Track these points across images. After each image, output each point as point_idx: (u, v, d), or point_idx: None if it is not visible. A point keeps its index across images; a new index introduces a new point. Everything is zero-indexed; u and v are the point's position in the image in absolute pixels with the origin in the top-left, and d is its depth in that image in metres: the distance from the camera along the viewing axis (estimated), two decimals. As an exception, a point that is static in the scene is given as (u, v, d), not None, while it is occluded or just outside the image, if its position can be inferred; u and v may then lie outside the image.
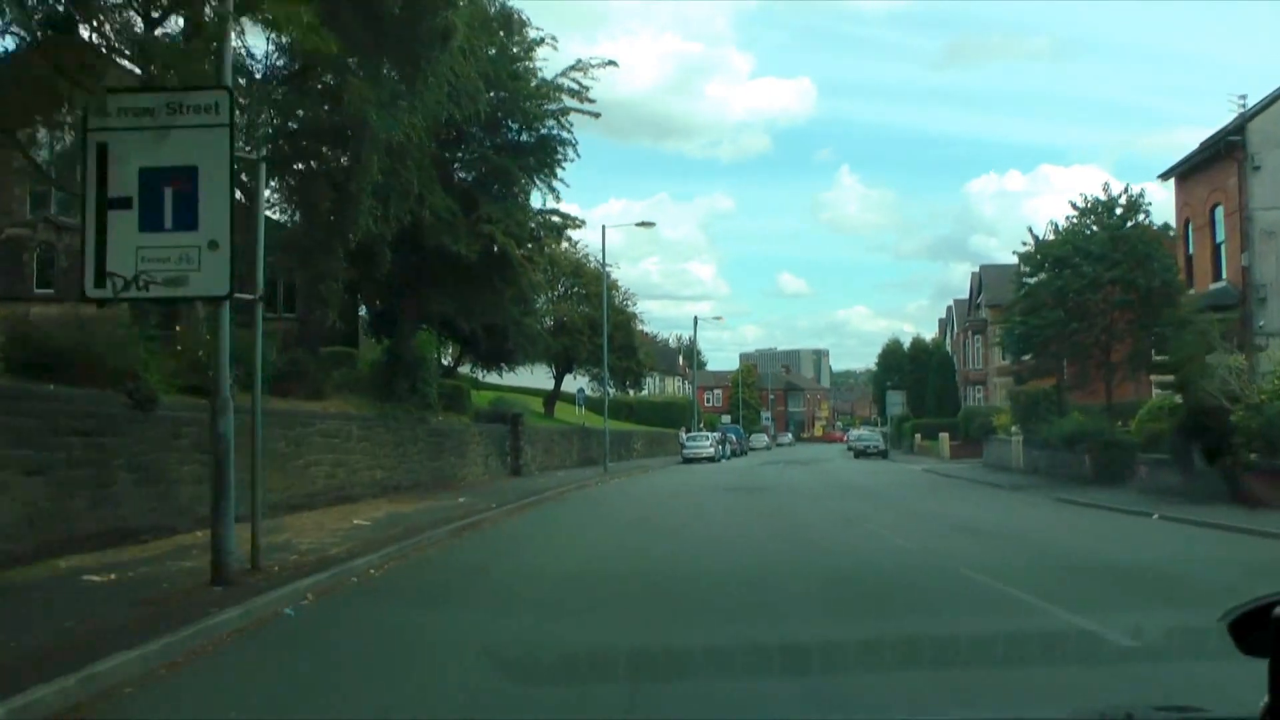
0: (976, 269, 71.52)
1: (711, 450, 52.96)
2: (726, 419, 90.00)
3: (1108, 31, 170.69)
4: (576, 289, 47.34)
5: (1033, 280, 33.56)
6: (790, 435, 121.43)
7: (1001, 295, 69.79)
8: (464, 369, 41.87)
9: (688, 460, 52.50)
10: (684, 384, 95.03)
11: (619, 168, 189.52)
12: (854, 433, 70.73)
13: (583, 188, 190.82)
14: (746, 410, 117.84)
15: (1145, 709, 2.06)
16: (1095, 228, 32.86)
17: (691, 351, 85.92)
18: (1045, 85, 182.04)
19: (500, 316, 30.85)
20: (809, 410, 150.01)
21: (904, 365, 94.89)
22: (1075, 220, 33.93)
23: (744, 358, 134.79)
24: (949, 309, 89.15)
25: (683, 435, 55.82)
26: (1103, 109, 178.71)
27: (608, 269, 42.44)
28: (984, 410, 53.82)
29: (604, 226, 45.31)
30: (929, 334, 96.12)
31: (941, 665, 7.06)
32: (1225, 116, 29.89)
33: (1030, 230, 35.74)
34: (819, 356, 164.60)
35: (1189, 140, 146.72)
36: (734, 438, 64.62)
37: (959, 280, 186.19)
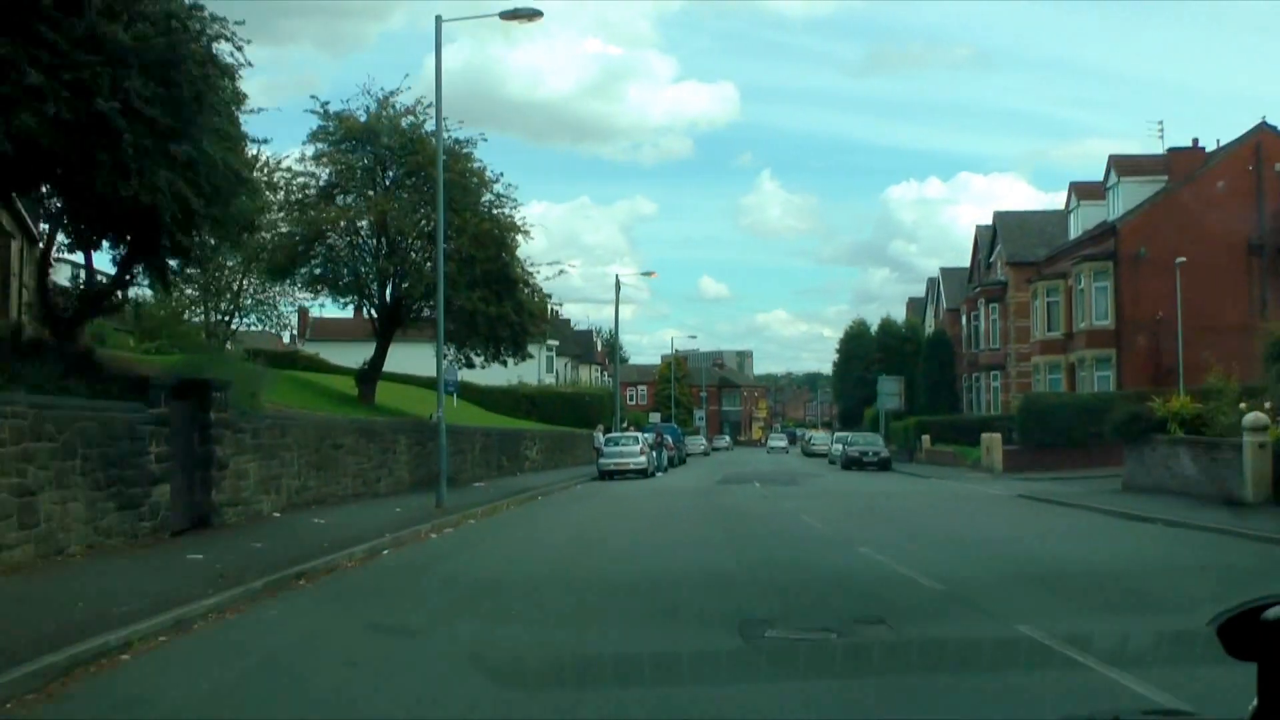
0: (989, 219, 54.46)
1: (642, 460, 35.10)
2: (656, 417, 72.48)
3: (1027, 43, 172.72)
4: (406, 173, 28.38)
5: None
6: (727, 438, 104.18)
7: (1028, 246, 53.30)
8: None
9: (606, 474, 34.67)
10: (603, 375, 76.92)
11: (539, 170, 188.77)
12: (836, 436, 53.18)
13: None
14: (677, 409, 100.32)
15: (1133, 712, 2.09)
16: None
17: (613, 341, 67.77)
18: (965, 94, 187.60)
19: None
20: (746, 410, 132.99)
21: (869, 353, 78.20)
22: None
23: (666, 360, 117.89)
24: (930, 283, 72.39)
25: (599, 438, 37.76)
26: (1020, 119, 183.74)
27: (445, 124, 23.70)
28: (1072, 400, 36.63)
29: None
30: (835, 334, 79.45)
31: None
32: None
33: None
34: (742, 358, 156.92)
35: (1099, 151, 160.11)
36: (670, 440, 46.90)
37: (878, 285, 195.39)
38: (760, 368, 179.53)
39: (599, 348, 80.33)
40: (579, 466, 41.23)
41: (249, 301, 38.12)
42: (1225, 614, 1.82)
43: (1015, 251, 50.74)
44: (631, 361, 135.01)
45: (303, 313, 62.85)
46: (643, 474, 35.10)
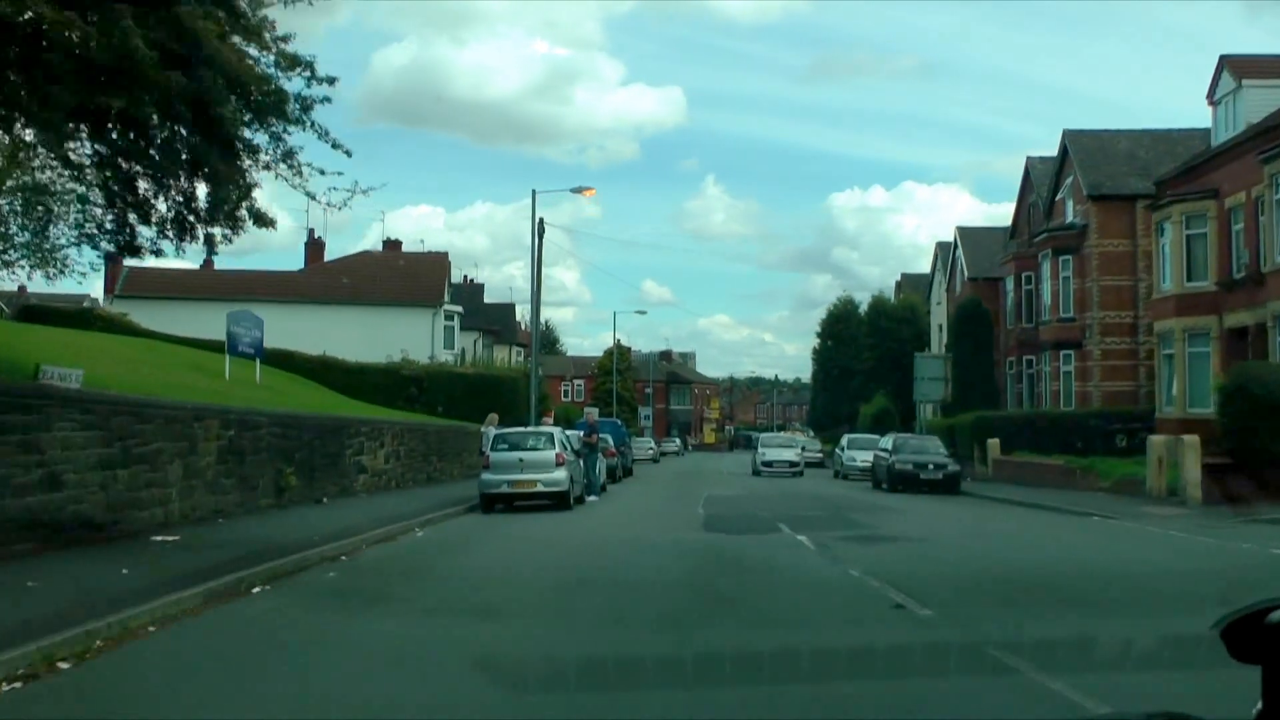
0: (1055, 146, 39.57)
1: (558, 477, 19.36)
2: (595, 411, 57.28)
3: (971, 55, 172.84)
4: None
5: None
6: (678, 440, 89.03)
7: (1117, 176, 38.07)
8: None
9: (492, 503, 19.10)
10: (523, 356, 61.07)
11: (484, 170, 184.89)
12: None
13: (448, 189, 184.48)
14: (620, 407, 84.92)
15: (1138, 715, 1.96)
16: None
17: (533, 285, 51.76)
18: (910, 104, 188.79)
19: None
20: (697, 409, 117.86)
21: (859, 336, 63.41)
22: None
23: (608, 351, 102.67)
24: (939, 251, 57.50)
25: (489, 435, 21.36)
26: (964, 130, 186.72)
27: None
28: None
29: None
30: (789, 343, 64.95)
31: None
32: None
33: None
34: (685, 359, 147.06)
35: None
36: (612, 442, 31.45)
37: (820, 291, 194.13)
38: (703, 372, 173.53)
39: (522, 326, 64.73)
40: (464, 482, 25.54)
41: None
42: (1229, 617, 1.79)
43: (1100, 180, 36.04)
44: (569, 353, 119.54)
45: (113, 260, 46.41)
46: (560, 501, 19.53)
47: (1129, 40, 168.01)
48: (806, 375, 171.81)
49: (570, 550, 13.63)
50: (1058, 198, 38.82)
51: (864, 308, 64.55)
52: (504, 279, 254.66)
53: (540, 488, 19.17)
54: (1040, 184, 41.07)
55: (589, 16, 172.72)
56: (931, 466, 26.39)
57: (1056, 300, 37.15)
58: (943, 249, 56.68)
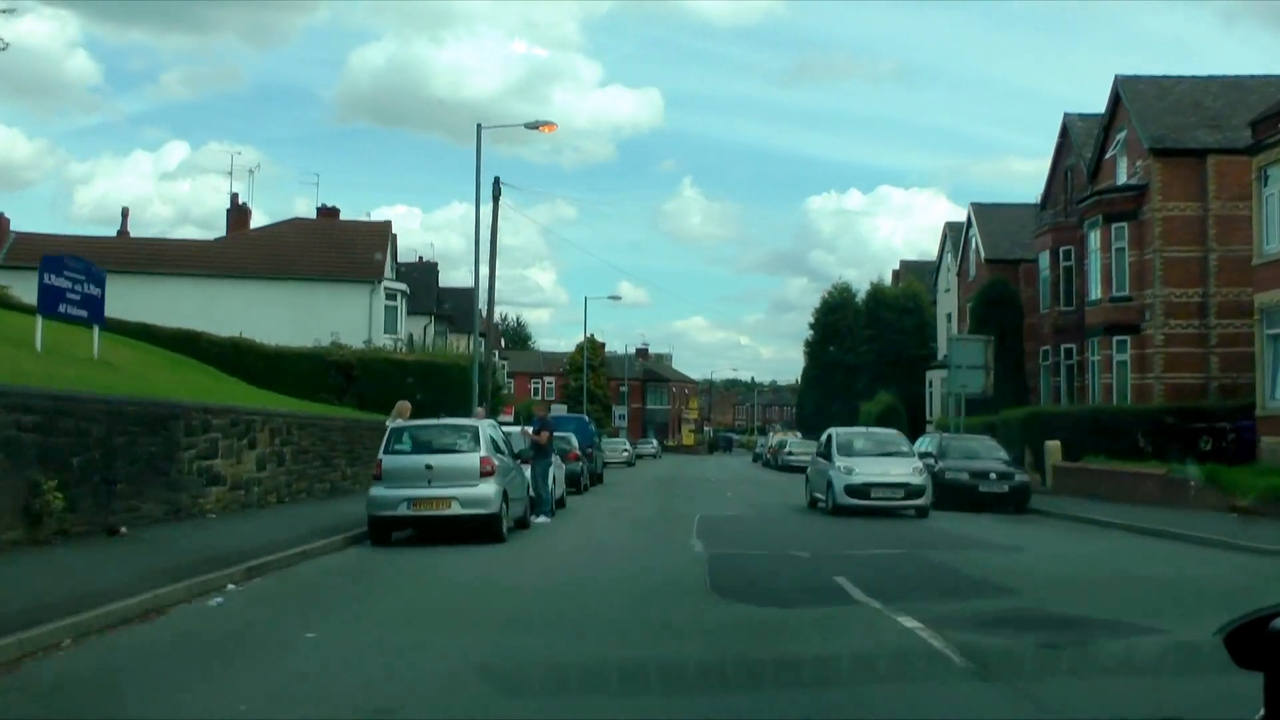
0: (1109, 95, 33.65)
1: (488, 497, 13.21)
2: (562, 409, 51.11)
3: (949, 60, 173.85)
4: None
5: None
6: (654, 442, 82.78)
7: (1183, 128, 31.30)
8: None
9: (392, 527, 12.97)
10: (494, 354, 54.70)
11: (461, 171, 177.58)
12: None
13: (425, 189, 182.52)
14: (593, 406, 78.93)
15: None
16: None
17: (482, 251, 44.85)
18: (888, 108, 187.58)
19: None
20: (674, 409, 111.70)
21: (856, 327, 57.46)
22: None
23: (580, 347, 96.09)
24: (949, 233, 51.43)
25: (393, 427, 15.18)
26: (941, 135, 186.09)
27: None
28: None
29: None
30: (766, 346, 59.26)
31: None
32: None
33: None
34: (661, 359, 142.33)
35: (1017, 169, 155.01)
36: (577, 444, 25.27)
37: (796, 294, 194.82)
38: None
39: (485, 314, 58.25)
40: (347, 500, 19.10)
41: None
42: (1233, 623, 1.79)
43: (1163, 132, 30.13)
44: (539, 348, 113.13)
45: (-3, 224, 39.57)
46: (487, 528, 13.14)
47: (1109, 45, 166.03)
48: (783, 378, 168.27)
49: (479, 638, 7.41)
50: (1107, 156, 32.87)
51: (861, 296, 58.62)
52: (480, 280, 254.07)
53: (457, 509, 12.82)
54: (1082, 143, 35.13)
55: (568, 17, 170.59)
56: (994, 476, 20.15)
57: (1108, 276, 31.18)
58: (953, 230, 50.65)
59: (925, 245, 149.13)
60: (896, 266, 66.89)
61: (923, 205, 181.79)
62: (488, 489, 13.00)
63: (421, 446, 13.39)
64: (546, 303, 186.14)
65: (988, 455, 21.41)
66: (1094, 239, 31.99)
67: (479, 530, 12.98)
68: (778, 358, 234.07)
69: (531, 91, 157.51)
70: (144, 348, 26.90)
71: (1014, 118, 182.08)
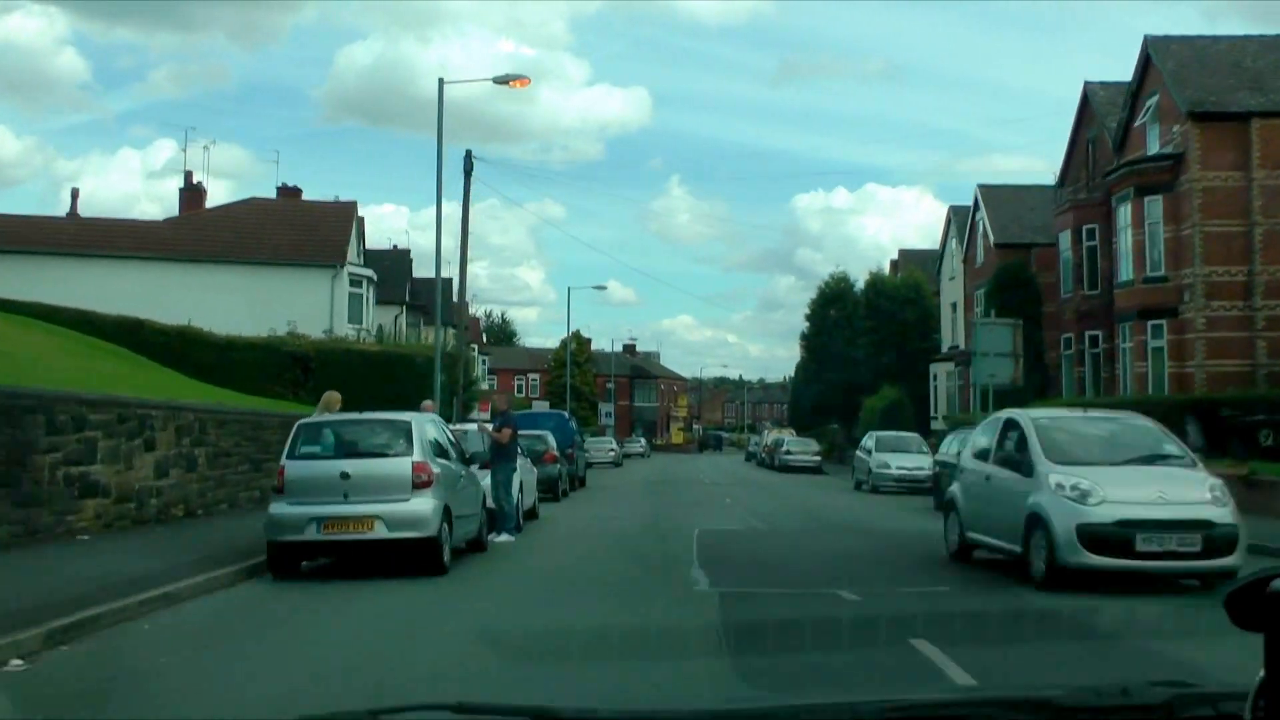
0: (1138, 57, 30.78)
1: (422, 515, 9.73)
2: (545, 405, 48.11)
3: (937, 59, 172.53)
4: None
5: None
6: (642, 440, 79.71)
7: (1226, 89, 28.12)
8: None
9: (299, 555, 10.28)
10: (474, 350, 51.60)
11: (448, 170, 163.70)
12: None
13: (411, 190, 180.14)
14: (579, 404, 75.99)
15: (1140, 684, 2.02)
16: None
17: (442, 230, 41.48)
18: (875, 106, 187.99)
19: None
20: (663, 407, 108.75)
21: (855, 318, 54.52)
22: None
23: (566, 342, 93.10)
24: (952, 217, 48.50)
25: (301, 423, 11.76)
26: (927, 133, 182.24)
27: None
28: None
29: None
30: (753, 344, 55.78)
31: None
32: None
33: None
34: (651, 358, 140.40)
35: (1002, 166, 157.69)
36: (554, 445, 22.27)
37: (783, 293, 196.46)
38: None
39: (466, 307, 55.23)
40: (239, 524, 16.08)
41: None
42: (1234, 584, 1.77)
43: (1201, 95, 27.23)
44: (523, 344, 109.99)
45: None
46: (425, 555, 9.95)
47: (1096, 45, 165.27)
48: (771, 376, 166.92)
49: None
50: (1136, 124, 29.98)
51: (859, 287, 55.65)
52: (469, 279, 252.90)
53: (382, 531, 9.76)
54: (1105, 112, 32.26)
55: (556, 16, 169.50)
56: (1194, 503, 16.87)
57: (1140, 255, 28.30)
58: (958, 214, 47.77)
59: (912, 242, 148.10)
60: (895, 257, 64.05)
61: (909, 203, 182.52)
62: (422, 505, 9.93)
63: (338, 448, 10.33)
64: (535, 301, 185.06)
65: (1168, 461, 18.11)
66: (1123, 214, 29.11)
67: (413, 558, 9.96)
68: (766, 355, 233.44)
69: (519, 90, 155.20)
70: (61, 332, 23.91)
71: (999, 115, 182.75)
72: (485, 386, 71.07)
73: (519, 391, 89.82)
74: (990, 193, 43.62)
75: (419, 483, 9.96)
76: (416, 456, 10.15)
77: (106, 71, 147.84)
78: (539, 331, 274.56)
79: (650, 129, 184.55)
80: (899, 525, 17.46)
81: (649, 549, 13.10)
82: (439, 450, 10.92)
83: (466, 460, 12.08)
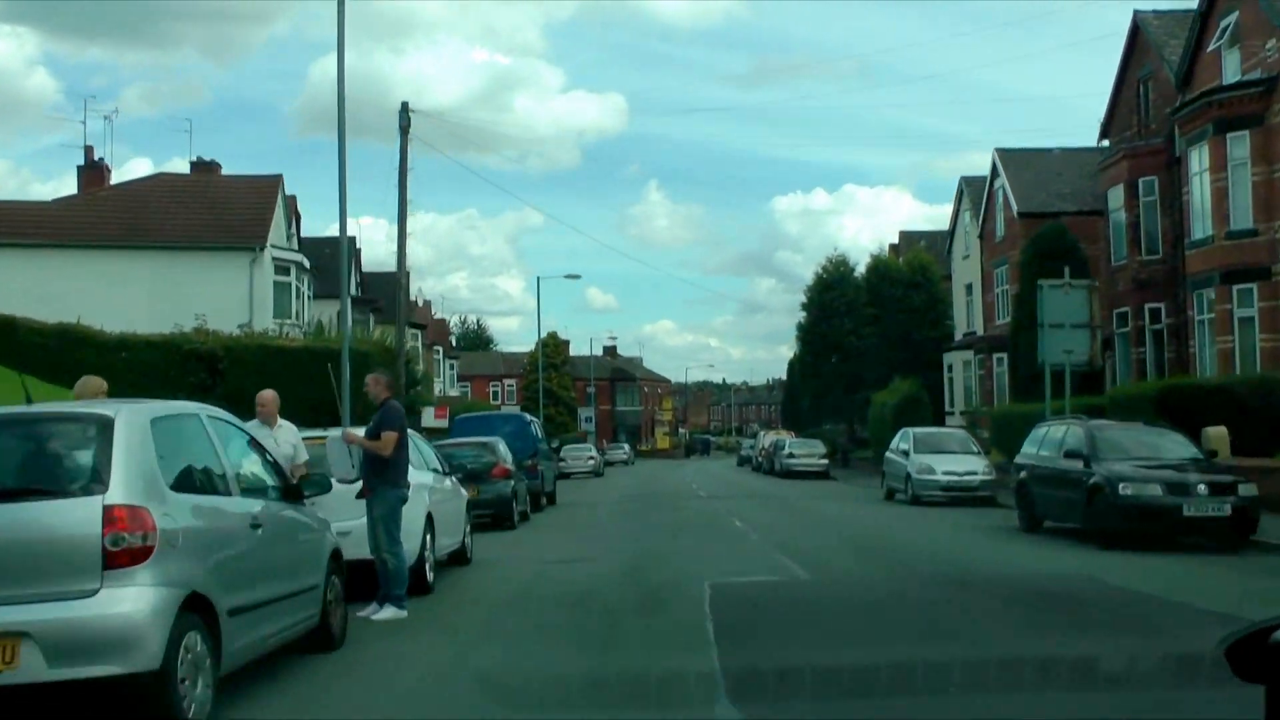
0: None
1: (130, 636, 4.24)
2: (515, 409, 42.86)
3: (912, 59, 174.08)
4: None
5: None
6: (625, 447, 74.56)
7: None
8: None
9: None
10: (419, 341, 46.16)
11: (424, 180, 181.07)
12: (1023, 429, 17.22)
13: (388, 200, 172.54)
14: (556, 409, 70.92)
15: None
16: None
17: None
18: (851, 107, 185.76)
19: None
20: (647, 411, 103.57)
21: (857, 306, 49.48)
22: None
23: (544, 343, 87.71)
24: (964, 188, 43.38)
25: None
26: (905, 132, 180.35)
27: None
28: None
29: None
30: (735, 347, 50.89)
31: None
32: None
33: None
34: (632, 363, 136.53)
35: (979, 164, 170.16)
36: (504, 454, 16.96)
37: (764, 295, 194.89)
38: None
39: (419, 303, 49.83)
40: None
41: None
42: (1234, 635, 1.75)
43: (1299, 8, 22.18)
44: (499, 347, 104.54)
45: None
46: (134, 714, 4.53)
47: (1071, 45, 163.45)
48: (754, 378, 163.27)
49: None
50: (1208, 49, 24.97)
51: (860, 271, 50.61)
52: (447, 289, 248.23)
53: (32, 667, 4.08)
54: (1163, 43, 27.29)
55: (529, 23, 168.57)
56: (1203, 489, 11.83)
57: (1221, 205, 23.26)
58: (970, 186, 42.74)
59: (894, 241, 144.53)
60: (894, 240, 59.07)
61: (888, 203, 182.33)
62: (125, 602, 4.54)
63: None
64: (516, 310, 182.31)
65: (1171, 450, 13.17)
66: (1197, 158, 24.08)
67: (114, 711, 4.57)
68: (748, 358, 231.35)
69: (494, 99, 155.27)
70: None
71: (976, 114, 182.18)
72: (456, 394, 65.67)
73: (495, 398, 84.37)
74: (1010, 157, 38.58)
75: (122, 552, 4.59)
76: (116, 497, 4.74)
77: (79, 91, 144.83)
78: (520, 340, 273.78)
79: (627, 135, 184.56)
80: (1010, 561, 12.21)
81: (627, 635, 7.75)
82: (209, 478, 5.55)
83: (294, 495, 6.65)
